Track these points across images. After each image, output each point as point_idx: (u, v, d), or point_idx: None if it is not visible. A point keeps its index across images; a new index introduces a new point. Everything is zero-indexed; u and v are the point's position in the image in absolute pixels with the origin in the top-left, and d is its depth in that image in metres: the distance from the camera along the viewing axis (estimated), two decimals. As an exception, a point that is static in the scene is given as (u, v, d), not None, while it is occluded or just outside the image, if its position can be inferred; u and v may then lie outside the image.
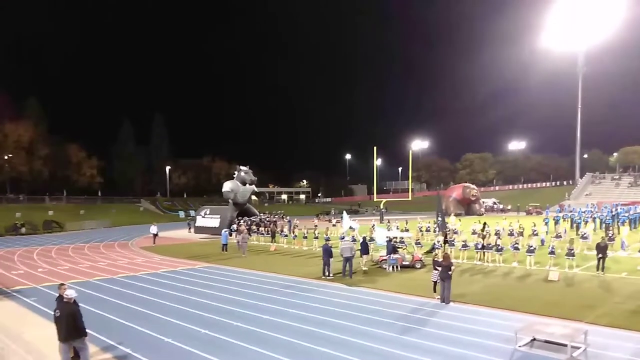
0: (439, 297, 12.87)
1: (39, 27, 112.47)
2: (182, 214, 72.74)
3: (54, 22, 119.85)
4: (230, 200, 38.74)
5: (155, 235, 30.69)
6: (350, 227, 26.41)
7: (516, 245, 19.21)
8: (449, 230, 25.97)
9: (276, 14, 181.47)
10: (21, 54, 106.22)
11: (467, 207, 59.56)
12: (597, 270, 16.30)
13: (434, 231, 29.55)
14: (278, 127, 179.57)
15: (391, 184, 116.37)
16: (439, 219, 21.17)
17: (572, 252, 17.18)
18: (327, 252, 17.18)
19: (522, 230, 25.20)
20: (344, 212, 36.14)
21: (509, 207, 66.30)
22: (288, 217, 42.98)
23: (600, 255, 16.30)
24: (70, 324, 7.55)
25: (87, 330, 7.87)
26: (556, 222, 31.23)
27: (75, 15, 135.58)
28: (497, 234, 24.83)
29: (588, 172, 76.06)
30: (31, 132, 65.96)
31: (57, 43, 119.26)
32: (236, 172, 40.68)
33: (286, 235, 30.02)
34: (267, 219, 38.14)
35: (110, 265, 21.79)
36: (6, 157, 63.08)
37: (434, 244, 21.27)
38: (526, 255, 18.26)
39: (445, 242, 19.84)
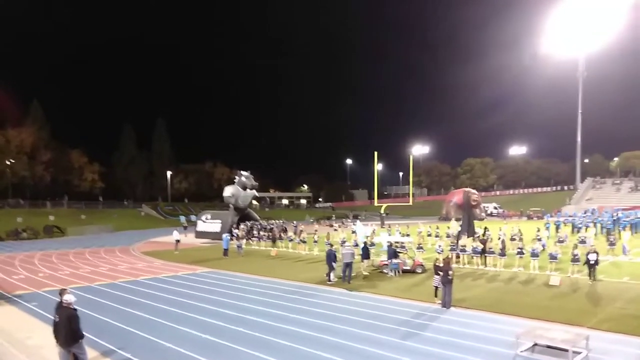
0: (440, 302, 12.86)
1: (42, 31, 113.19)
2: (183, 218, 72.77)
3: (57, 26, 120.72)
4: (231, 205, 38.77)
5: (178, 241, 30.20)
6: (366, 235, 26.09)
7: (520, 250, 19.16)
8: (451, 236, 25.96)
9: (279, 22, 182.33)
10: (24, 58, 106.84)
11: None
12: (590, 278, 15.85)
13: (435, 235, 29.51)
14: (279, 132, 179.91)
15: (392, 188, 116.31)
16: (465, 224, 21.03)
17: (577, 257, 17.06)
18: (331, 257, 17.18)
19: (521, 236, 25.05)
20: (358, 220, 35.91)
21: (534, 212, 63.84)
22: (294, 222, 42.86)
23: (592, 262, 15.89)
24: (68, 328, 7.54)
25: (87, 335, 7.87)
26: (557, 227, 31.21)
27: (78, 19, 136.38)
28: (501, 241, 24.70)
29: (589, 176, 75.83)
30: (33, 137, 66.05)
31: (61, 47, 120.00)
32: (237, 177, 40.76)
33: (292, 240, 29.97)
34: (269, 226, 38.12)
35: (111, 270, 21.77)
36: (8, 162, 63.19)
37: (436, 248, 21.25)
38: (530, 259, 18.23)
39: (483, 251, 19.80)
